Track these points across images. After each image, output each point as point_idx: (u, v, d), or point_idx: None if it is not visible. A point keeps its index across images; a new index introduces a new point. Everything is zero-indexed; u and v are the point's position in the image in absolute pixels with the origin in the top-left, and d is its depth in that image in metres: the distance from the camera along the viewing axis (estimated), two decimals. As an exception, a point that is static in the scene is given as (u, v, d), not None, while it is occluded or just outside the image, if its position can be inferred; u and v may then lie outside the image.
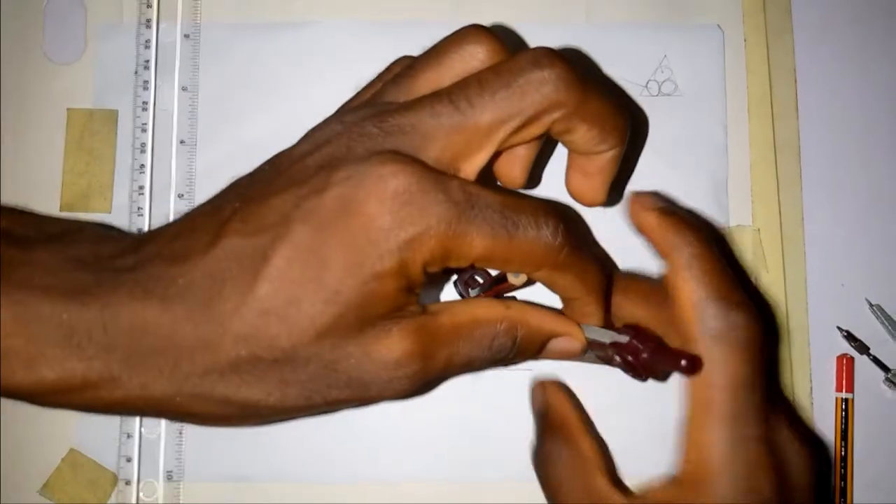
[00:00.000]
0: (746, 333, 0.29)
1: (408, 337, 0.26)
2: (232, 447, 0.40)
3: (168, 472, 0.40)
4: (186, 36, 0.43)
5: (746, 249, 0.41)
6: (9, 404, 0.40)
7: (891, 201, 0.43)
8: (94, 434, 0.40)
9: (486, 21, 0.43)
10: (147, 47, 0.43)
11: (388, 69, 0.34)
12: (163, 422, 0.40)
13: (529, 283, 0.31)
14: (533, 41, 0.43)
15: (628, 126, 0.31)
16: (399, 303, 0.27)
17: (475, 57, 0.30)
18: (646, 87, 0.43)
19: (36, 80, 0.43)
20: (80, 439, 0.40)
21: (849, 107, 0.44)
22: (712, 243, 0.31)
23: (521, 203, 0.27)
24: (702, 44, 0.43)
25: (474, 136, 0.27)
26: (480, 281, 0.34)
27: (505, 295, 0.34)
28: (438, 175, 0.26)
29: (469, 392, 0.40)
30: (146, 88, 0.42)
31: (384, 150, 0.27)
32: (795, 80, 0.43)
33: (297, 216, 0.26)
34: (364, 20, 0.43)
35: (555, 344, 0.31)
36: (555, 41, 0.43)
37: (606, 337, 0.32)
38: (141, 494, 0.40)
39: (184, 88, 0.43)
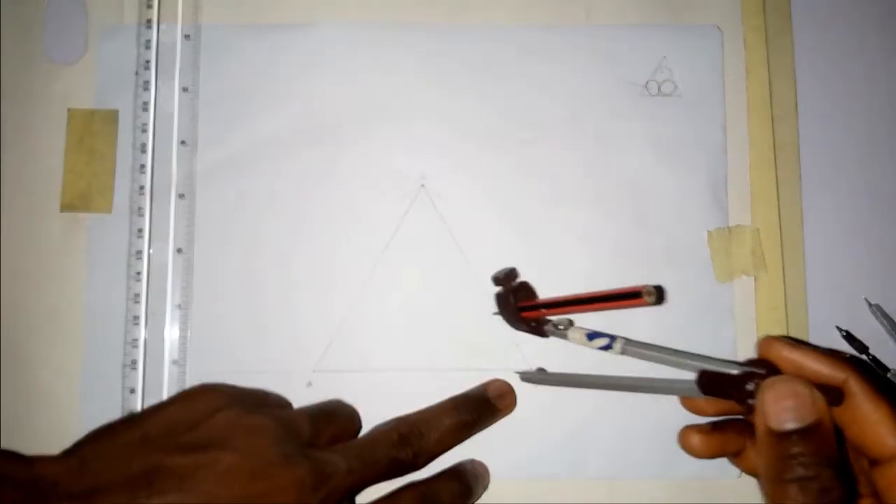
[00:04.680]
0: None
1: None
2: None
3: (168, 471, 0.40)
4: (187, 37, 0.43)
5: (746, 249, 0.41)
6: (6, 408, 0.40)
7: (890, 201, 0.43)
8: (95, 434, 0.40)
9: (485, 23, 0.43)
10: (148, 48, 0.43)
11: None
12: (163, 421, 0.40)
13: None
14: (533, 42, 0.43)
15: None
16: None
17: None
18: (645, 87, 0.43)
19: (37, 81, 0.43)
20: (81, 439, 0.40)
21: (848, 107, 0.44)
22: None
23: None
24: (701, 44, 0.43)
25: None
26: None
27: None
28: None
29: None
30: (147, 89, 0.43)
31: None
32: (795, 81, 0.43)
33: None
34: (364, 22, 0.43)
35: None
36: (554, 42, 0.43)
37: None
38: (141, 494, 0.40)
39: (184, 89, 0.43)
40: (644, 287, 0.32)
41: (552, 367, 0.40)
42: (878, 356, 0.41)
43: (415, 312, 0.41)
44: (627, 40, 0.43)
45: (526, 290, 0.40)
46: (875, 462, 0.27)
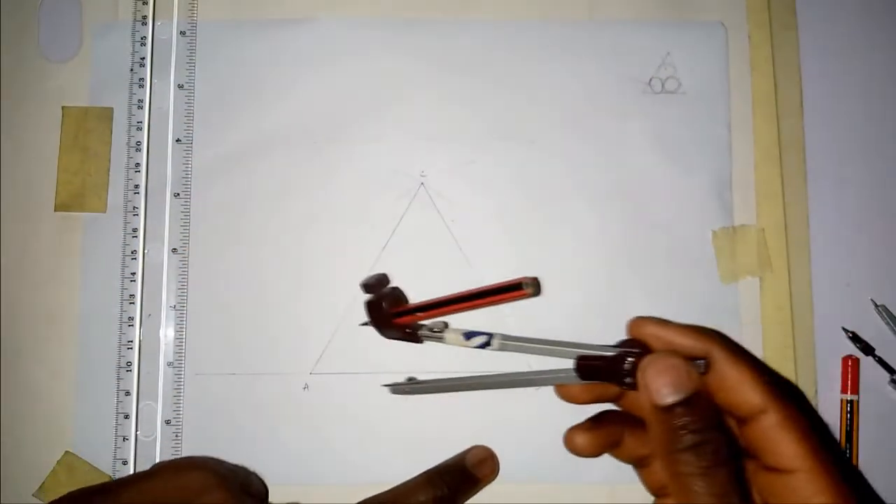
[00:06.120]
0: None
1: None
2: (227, 451, 0.39)
3: (164, 475, 0.39)
4: (182, 33, 0.43)
5: (751, 249, 0.41)
6: (4, 407, 0.40)
7: (897, 200, 0.43)
8: (90, 437, 0.40)
9: (487, 18, 0.43)
10: (143, 44, 0.42)
11: None
12: (158, 424, 0.40)
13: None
14: (536, 38, 0.43)
15: None
16: None
17: None
18: (649, 84, 0.42)
19: (31, 79, 0.42)
20: (76, 442, 0.40)
21: (854, 104, 0.43)
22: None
23: None
24: (705, 41, 0.43)
25: None
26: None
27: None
28: None
29: (472, 397, 0.40)
30: (142, 86, 0.42)
31: None
32: (800, 78, 0.43)
33: None
34: (362, 17, 0.43)
35: None
36: (557, 38, 0.43)
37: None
38: (137, 498, 0.39)
39: (180, 86, 0.42)
40: (524, 279, 0.33)
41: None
42: (885, 357, 0.41)
43: (414, 313, 0.41)
44: (631, 36, 0.43)
45: (398, 296, 0.38)
46: (744, 420, 0.29)
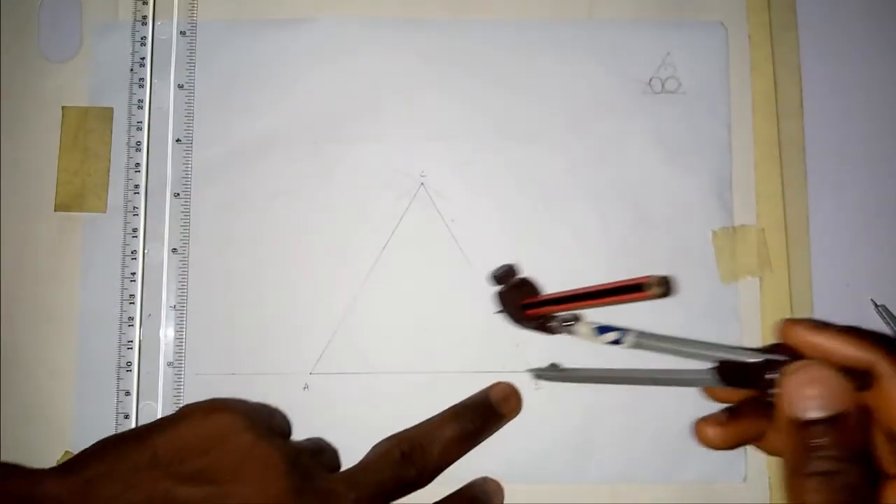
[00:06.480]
0: None
1: None
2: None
3: (164, 475, 0.39)
4: (182, 33, 0.43)
5: (751, 249, 0.41)
6: (4, 407, 0.40)
7: (897, 200, 0.43)
8: (90, 437, 0.39)
9: (486, 18, 0.43)
10: (143, 44, 0.42)
11: None
12: (159, 424, 0.40)
13: None
14: (536, 38, 0.43)
15: None
16: None
17: None
18: (649, 84, 0.42)
19: (31, 78, 0.42)
20: (76, 442, 0.40)
21: (854, 104, 0.43)
22: None
23: None
24: (705, 41, 0.43)
25: None
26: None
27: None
28: None
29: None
30: (142, 86, 0.42)
31: None
32: (800, 78, 0.43)
33: None
34: (362, 17, 0.43)
35: None
36: (557, 38, 0.43)
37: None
38: (137, 498, 0.39)
39: (180, 86, 0.42)
40: (648, 278, 0.31)
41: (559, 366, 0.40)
42: (885, 358, 0.41)
43: (414, 313, 0.41)
44: (631, 36, 0.43)
45: (528, 286, 0.38)
46: None
